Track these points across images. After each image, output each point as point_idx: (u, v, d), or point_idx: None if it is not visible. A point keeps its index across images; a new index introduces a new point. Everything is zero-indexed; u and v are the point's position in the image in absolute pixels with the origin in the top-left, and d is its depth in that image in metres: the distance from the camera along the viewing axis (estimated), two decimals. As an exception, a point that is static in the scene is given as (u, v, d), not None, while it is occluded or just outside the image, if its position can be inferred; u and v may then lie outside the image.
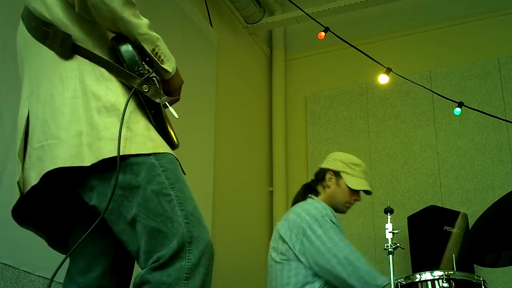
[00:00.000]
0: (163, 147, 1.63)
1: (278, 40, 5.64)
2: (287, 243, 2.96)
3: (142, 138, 1.59)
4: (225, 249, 4.33)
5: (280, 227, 3.07)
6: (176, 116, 1.69)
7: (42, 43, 1.71)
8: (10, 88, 2.62)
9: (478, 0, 5.06)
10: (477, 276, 3.32)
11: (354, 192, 3.18)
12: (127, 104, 1.58)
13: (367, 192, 3.24)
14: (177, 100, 1.81)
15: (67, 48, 1.66)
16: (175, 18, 4.14)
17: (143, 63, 1.65)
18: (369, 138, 5.07)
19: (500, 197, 2.81)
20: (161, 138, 1.65)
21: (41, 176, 1.58)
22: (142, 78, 1.61)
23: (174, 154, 1.66)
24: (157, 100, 1.62)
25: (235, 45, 5.09)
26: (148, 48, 1.66)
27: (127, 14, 1.63)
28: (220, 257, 4.23)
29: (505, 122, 4.51)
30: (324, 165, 3.27)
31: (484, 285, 3.27)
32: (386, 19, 5.30)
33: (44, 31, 1.71)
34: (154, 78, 1.69)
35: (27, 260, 2.68)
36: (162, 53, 1.68)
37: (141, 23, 1.66)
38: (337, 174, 3.17)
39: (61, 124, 1.59)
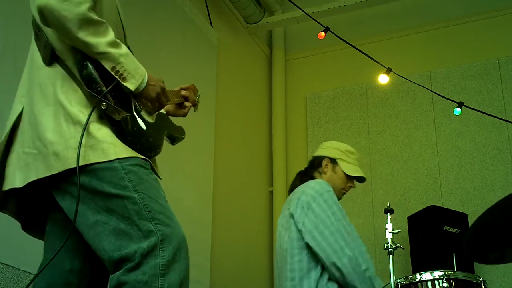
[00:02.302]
0: (127, 152, 1.67)
1: (278, 40, 5.64)
2: (294, 219, 2.96)
3: (105, 145, 1.64)
4: (225, 249, 4.33)
5: (288, 207, 3.05)
6: (144, 127, 1.72)
7: (35, 42, 1.77)
8: (10, 88, 2.62)
9: (478, 0, 5.06)
10: (477, 276, 3.32)
11: (349, 179, 3.22)
12: (87, 121, 1.63)
13: (361, 179, 3.26)
14: (161, 107, 1.85)
15: (47, 55, 1.72)
16: (175, 18, 4.14)
17: (101, 81, 1.66)
18: (369, 138, 5.07)
19: (500, 197, 2.81)
20: (124, 144, 1.68)
21: (25, 183, 1.68)
22: (100, 96, 1.64)
23: (141, 157, 1.70)
24: (116, 117, 1.65)
25: (235, 45, 5.09)
26: (107, 66, 1.67)
27: (82, 34, 1.63)
28: (220, 257, 4.26)
29: (505, 122, 4.51)
30: (319, 152, 3.30)
31: (484, 285, 3.27)
32: (386, 19, 5.30)
33: (36, 33, 1.77)
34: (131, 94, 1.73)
35: (27, 260, 2.67)
36: (125, 70, 1.68)
37: (99, 42, 1.65)
38: (333, 161, 3.22)
39: (37, 133, 1.67)
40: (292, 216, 2.98)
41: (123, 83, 1.68)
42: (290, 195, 3.16)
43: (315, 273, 2.89)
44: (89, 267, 1.81)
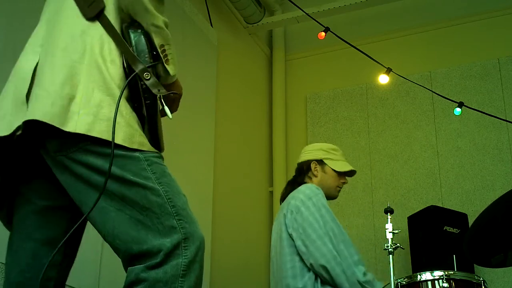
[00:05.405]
0: (148, 146, 1.57)
1: (278, 40, 5.64)
2: (286, 224, 3.00)
3: (132, 130, 1.53)
4: (225, 249, 4.33)
5: (282, 213, 3.08)
6: (170, 116, 1.63)
7: None
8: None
9: (478, 0, 5.06)
10: (477, 276, 3.32)
11: (341, 175, 3.25)
12: (124, 88, 1.52)
13: (351, 173, 3.28)
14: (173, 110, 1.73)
15: (93, 12, 1.60)
16: (175, 18, 4.14)
17: (151, 53, 1.59)
18: (369, 138, 5.07)
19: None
20: (144, 134, 1.58)
21: (15, 127, 1.52)
22: (146, 66, 1.56)
23: (159, 153, 1.61)
24: (154, 91, 1.55)
25: (235, 45, 5.09)
26: (157, 42, 1.59)
27: (147, 1, 1.58)
28: (220, 257, 4.26)
29: (505, 122, 4.51)
30: (304, 158, 3.33)
31: (484, 285, 3.27)
32: (386, 19, 5.30)
33: None
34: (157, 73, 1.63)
35: (27, 260, 2.67)
36: (170, 53, 1.61)
37: (159, 16, 1.62)
38: (320, 162, 3.24)
39: (55, 81, 1.52)
40: (284, 221, 3.01)
41: (165, 64, 1.59)
42: (283, 203, 3.18)
43: (308, 277, 2.90)
44: (68, 260, 1.73)
